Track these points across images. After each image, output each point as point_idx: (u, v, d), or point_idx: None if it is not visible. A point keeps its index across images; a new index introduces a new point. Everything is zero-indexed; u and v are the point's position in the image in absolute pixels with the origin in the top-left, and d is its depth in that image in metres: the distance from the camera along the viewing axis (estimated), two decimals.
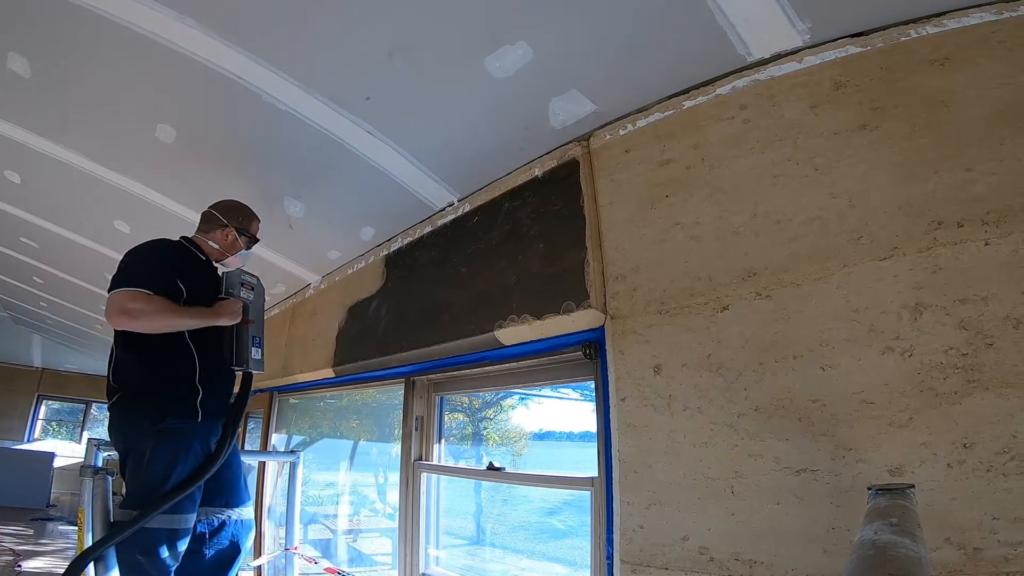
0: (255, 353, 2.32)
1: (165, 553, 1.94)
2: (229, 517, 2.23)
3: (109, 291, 1.98)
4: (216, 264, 2.41)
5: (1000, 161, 1.29)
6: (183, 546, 2.02)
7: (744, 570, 1.46)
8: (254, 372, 2.37)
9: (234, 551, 2.24)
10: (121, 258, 2.10)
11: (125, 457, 2.06)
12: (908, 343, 1.31)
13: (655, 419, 1.73)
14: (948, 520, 1.20)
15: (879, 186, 1.44)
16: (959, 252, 1.29)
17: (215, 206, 2.43)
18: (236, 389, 2.38)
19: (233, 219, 2.41)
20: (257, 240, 2.52)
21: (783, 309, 1.52)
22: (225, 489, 2.25)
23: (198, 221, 2.45)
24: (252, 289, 2.37)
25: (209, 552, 2.17)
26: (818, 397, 1.42)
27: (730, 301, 1.63)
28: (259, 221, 2.53)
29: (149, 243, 2.19)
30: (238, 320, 2.24)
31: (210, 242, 2.37)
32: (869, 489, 1.07)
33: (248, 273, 2.40)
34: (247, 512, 2.33)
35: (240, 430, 2.40)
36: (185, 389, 2.08)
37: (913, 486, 1.04)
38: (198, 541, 2.13)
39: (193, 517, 2.05)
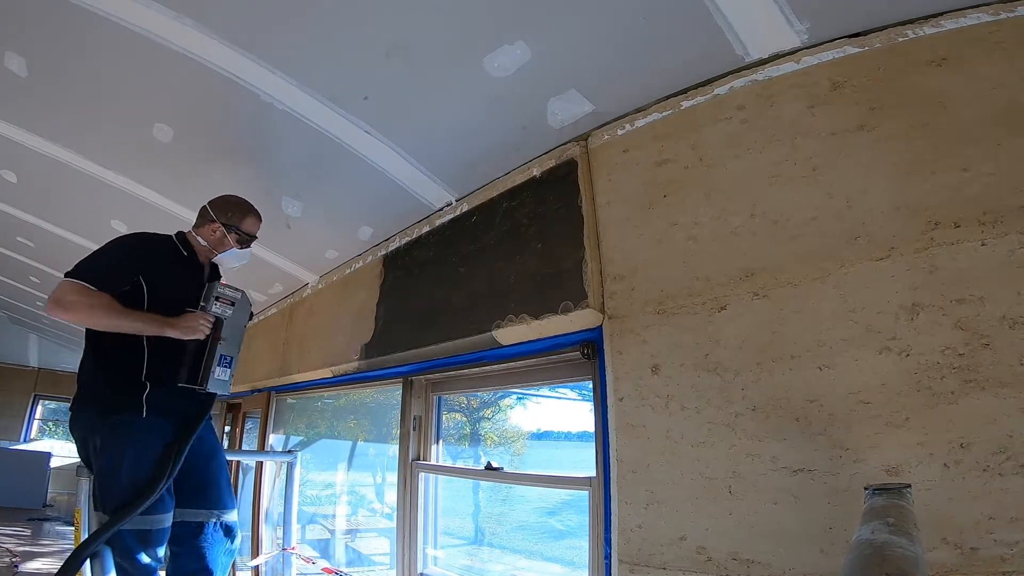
0: (220, 373, 2.18)
1: (143, 556, 1.91)
2: (207, 519, 2.14)
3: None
4: (211, 261, 2.35)
5: (997, 162, 1.30)
6: (162, 548, 1.97)
7: (742, 570, 1.46)
8: (215, 393, 2.21)
9: (216, 554, 2.15)
10: None
11: (85, 455, 2.04)
12: (905, 343, 1.31)
13: (653, 419, 1.73)
14: (945, 520, 1.20)
15: (876, 186, 1.44)
16: (956, 252, 1.30)
17: (210, 201, 2.34)
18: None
19: (221, 214, 2.29)
20: (254, 238, 2.39)
21: (780, 309, 1.52)
22: (202, 489, 2.17)
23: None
24: (232, 304, 2.23)
25: (189, 554, 2.10)
26: (815, 397, 1.42)
27: (728, 301, 1.63)
28: (258, 219, 2.40)
29: (125, 235, 2.15)
30: (196, 337, 2.11)
31: (199, 238, 2.28)
32: (866, 489, 1.07)
33: (231, 287, 2.27)
34: (228, 515, 2.23)
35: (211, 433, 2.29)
36: (131, 384, 2.02)
37: (909, 486, 1.04)
38: (177, 543, 2.08)
39: (167, 517, 2.00)
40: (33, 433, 12.49)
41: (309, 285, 4.23)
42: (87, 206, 3.72)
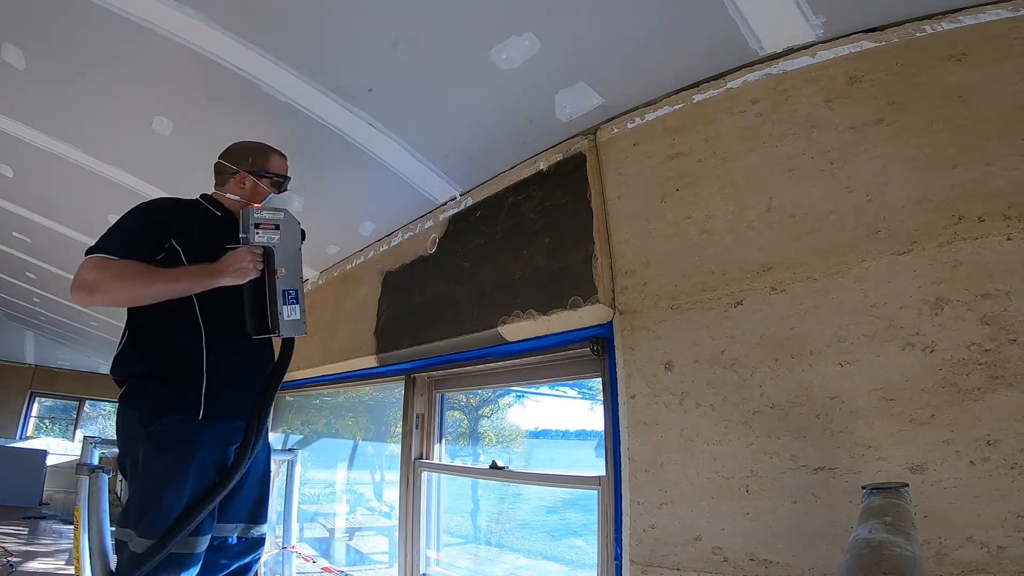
0: (289, 312, 1.75)
1: None
2: (232, 534, 1.83)
3: None
4: None
5: (1021, 156, 1.27)
6: (193, 572, 1.66)
7: (760, 570, 1.43)
8: (293, 336, 1.82)
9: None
10: None
11: (123, 462, 1.74)
12: (929, 338, 1.29)
13: (666, 417, 1.70)
14: (971, 518, 1.18)
15: (897, 180, 1.41)
16: (980, 247, 1.27)
17: (222, 154, 2.02)
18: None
19: (242, 162, 1.97)
20: (287, 178, 2.07)
21: (799, 304, 1.50)
22: (236, 499, 1.83)
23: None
24: (276, 228, 1.79)
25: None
26: (836, 394, 1.40)
27: (744, 296, 1.61)
28: (282, 156, 2.09)
29: (145, 200, 1.86)
30: (251, 275, 1.72)
31: (228, 195, 1.96)
32: (863, 488, 1.06)
33: (270, 208, 1.84)
34: (258, 530, 1.90)
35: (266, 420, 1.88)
36: (186, 378, 1.69)
37: (907, 485, 1.03)
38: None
39: (206, 540, 1.68)
40: (29, 431, 12.46)
41: (309, 281, 4.19)
42: (85, 201, 3.67)
